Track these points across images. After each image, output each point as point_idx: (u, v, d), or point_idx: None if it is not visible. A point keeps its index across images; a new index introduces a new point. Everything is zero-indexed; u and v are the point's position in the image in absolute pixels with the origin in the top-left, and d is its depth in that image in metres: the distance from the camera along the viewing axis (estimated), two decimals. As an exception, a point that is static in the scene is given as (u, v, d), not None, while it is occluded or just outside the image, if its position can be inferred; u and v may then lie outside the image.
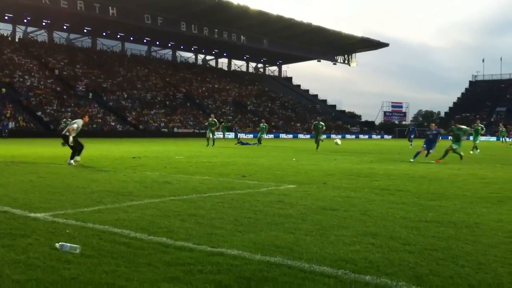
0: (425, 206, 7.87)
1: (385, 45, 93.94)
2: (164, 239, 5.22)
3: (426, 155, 18.91)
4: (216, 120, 33.13)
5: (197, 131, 63.52)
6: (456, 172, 14.38)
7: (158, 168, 14.28)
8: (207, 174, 12.51)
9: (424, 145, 18.99)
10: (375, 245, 5.14)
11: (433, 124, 20.55)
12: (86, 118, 16.09)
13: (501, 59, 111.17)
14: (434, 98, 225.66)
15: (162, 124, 62.66)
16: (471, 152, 25.71)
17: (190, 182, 10.57)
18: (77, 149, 14.90)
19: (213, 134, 31.81)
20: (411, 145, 34.86)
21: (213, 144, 30.95)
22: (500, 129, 49.75)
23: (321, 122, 29.27)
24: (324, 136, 29.71)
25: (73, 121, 15.50)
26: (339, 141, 25.93)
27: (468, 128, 20.39)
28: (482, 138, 45.64)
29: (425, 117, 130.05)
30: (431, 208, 7.68)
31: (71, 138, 14.72)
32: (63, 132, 15.43)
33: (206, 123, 34.37)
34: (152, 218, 6.37)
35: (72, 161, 14.60)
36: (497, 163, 19.05)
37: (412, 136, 37.12)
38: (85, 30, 75.80)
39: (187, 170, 13.64)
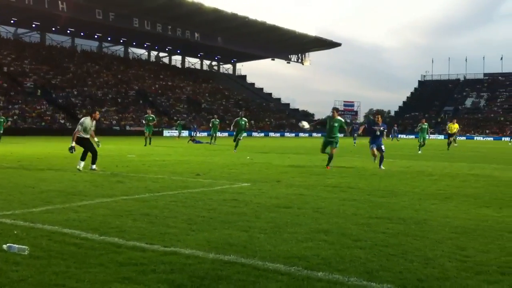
0: (376, 203, 8.06)
1: (337, 44, 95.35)
2: (116, 239, 5.14)
3: (379, 157, 15.20)
4: (153, 116, 32.20)
5: (150, 129, 62.59)
6: (405, 170, 14.78)
7: (109, 167, 14.00)
8: (160, 173, 12.37)
9: (373, 144, 15.32)
10: (327, 242, 5.23)
11: (379, 116, 15.86)
12: (97, 115, 13.38)
13: (449, 59, 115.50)
14: (385, 97, 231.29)
15: (114, 122, 61.50)
16: (419, 152, 26.26)
17: (142, 181, 10.44)
18: (92, 152, 12.73)
19: (150, 132, 30.19)
20: (354, 143, 35.18)
21: (150, 142, 28.99)
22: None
23: (243, 118, 25.66)
24: (244, 134, 26.62)
25: (80, 121, 13.13)
26: (306, 124, 19.80)
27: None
28: (431, 137, 47.04)
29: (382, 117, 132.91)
30: (381, 205, 7.87)
31: (73, 143, 12.68)
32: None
33: (143, 121, 32.49)
34: (103, 218, 6.26)
35: (94, 166, 12.58)
36: (445, 161, 19.68)
37: (355, 135, 37.26)
38: (33, 25, 73.38)
39: (139, 169, 13.46)
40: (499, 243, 5.35)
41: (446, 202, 8.29)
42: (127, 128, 60.90)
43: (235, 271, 4.13)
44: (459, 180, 12.05)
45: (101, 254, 4.56)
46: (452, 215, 6.98)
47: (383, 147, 15.30)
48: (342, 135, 16.61)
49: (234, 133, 25.69)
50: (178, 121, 46.47)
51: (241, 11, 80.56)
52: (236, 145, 24.11)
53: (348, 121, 43.37)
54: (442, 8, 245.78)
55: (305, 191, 9.39)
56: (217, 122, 36.32)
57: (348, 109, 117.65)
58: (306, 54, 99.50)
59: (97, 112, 13.57)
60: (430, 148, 31.43)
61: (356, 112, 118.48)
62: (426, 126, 28.76)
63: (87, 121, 12.94)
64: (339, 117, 15.47)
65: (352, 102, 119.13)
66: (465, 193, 9.56)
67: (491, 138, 79.03)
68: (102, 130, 56.11)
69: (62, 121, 56.43)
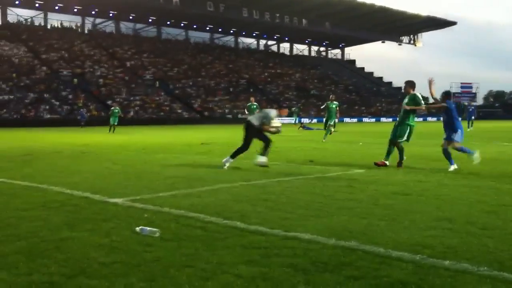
0: (502, 189, 7.59)
1: (452, 23, 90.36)
2: (238, 223, 5.33)
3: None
4: (257, 104, 29.02)
5: (261, 116, 63.70)
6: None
7: (226, 153, 14.47)
8: (275, 160, 12.55)
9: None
10: (451, 230, 5.03)
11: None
12: (285, 112, 12.02)
13: None
14: (504, 77, 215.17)
15: (227, 111, 63.39)
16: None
17: (259, 168, 10.67)
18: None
19: (114, 122, 31.88)
20: (469, 127, 32.97)
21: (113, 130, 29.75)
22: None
23: (334, 102, 22.26)
24: (336, 120, 22.83)
25: (264, 113, 11.38)
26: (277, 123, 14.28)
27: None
28: None
29: (496, 98, 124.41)
30: (508, 191, 7.40)
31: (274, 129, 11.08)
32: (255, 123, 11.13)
33: (246, 110, 30.37)
34: (225, 203, 6.51)
35: (262, 159, 10.84)
36: None
37: (473, 118, 35.09)
38: (150, 20, 77.58)
39: (255, 156, 13.75)
40: None
41: None
42: (239, 116, 62.51)
43: (357, 258, 4.13)
44: None
45: (226, 237, 4.76)
46: None
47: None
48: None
49: (324, 119, 22.75)
50: (293, 108, 46.65)
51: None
52: (327, 134, 21.40)
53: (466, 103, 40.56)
54: None
55: (424, 177, 9.08)
56: (116, 111, 33.52)
57: (466, 91, 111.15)
58: (418, 35, 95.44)
59: (285, 110, 12.10)
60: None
61: (475, 94, 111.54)
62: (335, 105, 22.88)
63: (273, 113, 11.24)
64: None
65: (470, 84, 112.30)
66: None
67: None
68: (215, 119, 58.28)
69: (180, 111, 59.24)
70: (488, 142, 19.50)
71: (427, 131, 30.54)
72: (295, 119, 48.51)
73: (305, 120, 53.75)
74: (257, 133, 11.07)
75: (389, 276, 3.68)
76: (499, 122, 55.64)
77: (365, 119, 72.48)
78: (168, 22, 78.86)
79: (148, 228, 4.99)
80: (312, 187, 7.85)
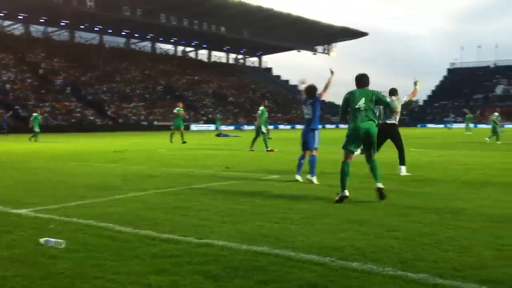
0: (409, 193, 7.96)
1: (364, 34, 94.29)
2: (150, 232, 5.20)
3: None
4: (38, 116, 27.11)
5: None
6: (435, 159, 14.56)
7: (140, 161, 14.19)
8: (190, 167, 12.47)
9: None
10: (361, 232, 5.19)
11: None
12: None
13: (478, 47, 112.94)
14: (412, 86, 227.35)
15: (142, 117, 62.18)
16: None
17: (173, 175, 10.53)
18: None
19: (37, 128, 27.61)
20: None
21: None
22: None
23: (261, 107, 20.60)
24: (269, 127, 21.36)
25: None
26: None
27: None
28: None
29: (405, 105, 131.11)
30: (414, 194, 7.77)
31: None
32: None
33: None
34: (136, 212, 6.34)
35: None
36: (476, 150, 19.32)
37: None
38: (62, 23, 74.65)
39: (170, 163, 13.59)
40: (537, 231, 5.23)
41: (481, 191, 8.13)
42: (155, 123, 61.53)
43: (269, 262, 4.14)
44: (493, 168, 11.81)
45: (136, 247, 4.62)
46: (488, 204, 6.85)
47: None
48: None
49: (255, 126, 21.08)
50: (218, 115, 46.64)
51: (266, 4, 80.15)
52: (267, 141, 19.91)
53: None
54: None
55: (335, 182, 9.32)
56: (39, 117, 31.33)
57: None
58: (333, 44, 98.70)
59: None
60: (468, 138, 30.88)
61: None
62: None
63: None
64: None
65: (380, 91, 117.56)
66: (500, 181, 9.36)
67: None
68: (130, 126, 56.94)
69: (92, 118, 57.34)
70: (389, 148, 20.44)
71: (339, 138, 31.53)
72: (217, 126, 48.51)
73: (224, 128, 53.90)
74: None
75: (300, 279, 3.72)
76: (407, 129, 58.64)
77: (280, 126, 73.77)
78: (82, 26, 76.28)
79: (53, 240, 4.75)
80: (226, 194, 7.83)
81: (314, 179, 9.21)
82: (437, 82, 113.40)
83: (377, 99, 7.54)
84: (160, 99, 69.46)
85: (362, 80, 7.62)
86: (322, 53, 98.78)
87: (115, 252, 4.43)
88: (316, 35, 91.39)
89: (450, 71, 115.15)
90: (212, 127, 57.48)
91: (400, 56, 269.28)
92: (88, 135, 39.73)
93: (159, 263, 4.13)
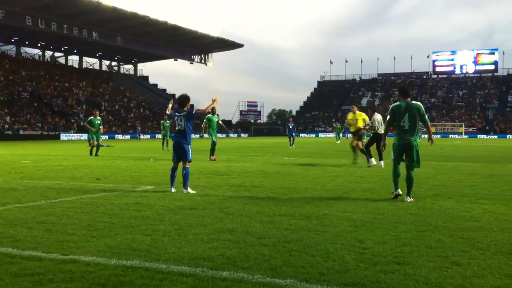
0: (279, 200, 8.22)
1: (240, 45, 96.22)
2: (10, 250, 4.84)
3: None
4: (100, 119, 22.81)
5: (46, 133, 59.68)
6: (307, 168, 15.22)
7: (1, 173, 13.15)
8: (57, 179, 11.80)
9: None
10: (232, 241, 5.25)
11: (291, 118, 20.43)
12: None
13: (346, 60, 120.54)
14: (286, 97, 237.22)
15: (6, 126, 57.81)
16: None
17: (38, 188, 9.88)
18: None
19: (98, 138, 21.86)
20: (291, 145, 31.06)
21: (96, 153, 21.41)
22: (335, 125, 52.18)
23: (167, 121, 24.16)
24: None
25: None
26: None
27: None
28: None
29: (279, 116, 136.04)
30: (284, 202, 8.04)
31: None
32: None
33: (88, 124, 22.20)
34: (-6, 228, 5.85)
35: None
36: (343, 158, 20.53)
37: (293, 135, 32.21)
38: None
39: (34, 175, 12.75)
40: (394, 234, 5.66)
41: (345, 197, 8.64)
42: (21, 132, 57.51)
43: (138, 276, 4.03)
44: (356, 176, 12.62)
45: (-7, 266, 4.26)
46: (351, 209, 7.29)
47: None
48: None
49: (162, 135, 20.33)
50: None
51: (141, 10, 78.93)
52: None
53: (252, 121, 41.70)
54: (337, 10, 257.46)
55: (210, 191, 9.38)
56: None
57: (252, 109, 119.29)
58: (209, 54, 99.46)
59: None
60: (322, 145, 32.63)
61: (260, 112, 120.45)
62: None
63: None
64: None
65: (256, 102, 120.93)
66: (362, 188, 10.03)
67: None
68: (-8, 135, 52.56)
69: None
70: (271, 157, 21.11)
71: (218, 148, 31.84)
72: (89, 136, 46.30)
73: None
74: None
75: (169, 292, 3.66)
76: (281, 138, 60.70)
77: (158, 136, 72.64)
78: None
79: None
80: (96, 206, 7.52)
81: (190, 190, 9.22)
82: (308, 94, 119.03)
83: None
84: (26, 106, 65.07)
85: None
86: (199, 62, 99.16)
87: (-33, 274, 4.05)
88: (193, 45, 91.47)
89: (320, 83, 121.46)
90: (84, 136, 54.90)
91: (274, 68, 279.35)
92: None
93: (19, 282, 3.87)
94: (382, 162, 14.90)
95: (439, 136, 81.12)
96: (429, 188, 9.87)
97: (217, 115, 19.62)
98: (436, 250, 4.93)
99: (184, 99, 9.82)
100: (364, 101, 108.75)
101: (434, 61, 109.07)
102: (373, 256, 4.71)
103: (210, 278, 3.98)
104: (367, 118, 15.88)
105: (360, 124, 15.86)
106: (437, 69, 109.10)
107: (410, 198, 8.12)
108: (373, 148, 15.66)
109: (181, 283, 3.86)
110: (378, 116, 15.60)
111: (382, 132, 13.20)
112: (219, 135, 20.84)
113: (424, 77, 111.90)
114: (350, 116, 16.50)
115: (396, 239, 5.43)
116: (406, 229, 5.94)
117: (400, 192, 8.25)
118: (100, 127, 21.78)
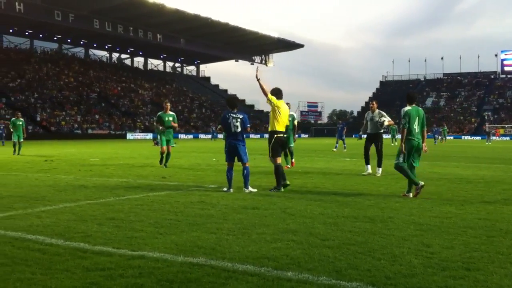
0: (342, 202, 8.14)
1: (300, 46, 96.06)
2: (82, 244, 5.04)
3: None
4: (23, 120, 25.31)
5: (113, 132, 61.83)
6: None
7: (72, 171, 13.74)
8: (125, 176, 12.20)
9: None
10: (295, 242, 5.25)
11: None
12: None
13: (409, 60, 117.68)
14: (345, 98, 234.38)
15: (76, 126, 60.33)
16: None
17: (107, 185, 10.27)
18: None
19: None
20: (336, 146, 29.17)
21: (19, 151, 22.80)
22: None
23: (170, 113, 16.09)
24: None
25: None
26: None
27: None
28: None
29: (340, 116, 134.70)
30: (347, 204, 7.96)
31: None
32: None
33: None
34: (67, 223, 6.12)
35: None
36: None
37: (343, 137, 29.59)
38: (-11, 27, 71.36)
39: (103, 173, 13.24)
40: (463, 239, 5.47)
41: (410, 200, 8.44)
42: (89, 131, 59.89)
43: (204, 273, 4.11)
44: (421, 178, 12.28)
45: (67, 260, 4.46)
46: (417, 213, 7.11)
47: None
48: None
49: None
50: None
51: (203, 12, 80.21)
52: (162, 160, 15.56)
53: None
54: (397, 10, 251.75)
55: (271, 192, 9.41)
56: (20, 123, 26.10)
57: (312, 110, 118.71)
58: (270, 55, 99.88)
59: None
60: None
61: (320, 112, 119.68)
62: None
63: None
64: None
65: (316, 103, 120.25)
66: (428, 191, 9.75)
67: (451, 137, 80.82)
68: (63, 134, 55.07)
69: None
70: (333, 158, 20.94)
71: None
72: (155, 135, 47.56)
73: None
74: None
75: (235, 290, 3.71)
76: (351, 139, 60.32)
77: (219, 136, 73.63)
78: (11, 30, 73.18)
79: (-23, 254, 4.50)
80: (162, 204, 7.72)
81: (252, 189, 9.35)
82: (370, 94, 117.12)
83: None
84: (94, 106, 67.68)
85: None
86: (260, 63, 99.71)
87: (44, 266, 4.27)
88: (253, 45, 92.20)
89: (382, 83, 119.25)
90: (149, 135, 56.54)
91: (334, 69, 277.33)
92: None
93: (90, 276, 4.01)
94: (380, 169, 13.09)
95: (508, 138, 77.64)
96: (498, 192, 9.49)
97: (293, 114, 15.74)
98: (508, 256, 4.74)
99: (235, 101, 10.28)
100: (429, 102, 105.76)
101: (502, 60, 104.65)
102: (441, 261, 4.58)
103: (275, 278, 3.99)
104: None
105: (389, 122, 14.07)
106: (506, 68, 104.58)
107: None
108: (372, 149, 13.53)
109: (246, 282, 3.90)
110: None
111: (379, 131, 13.71)
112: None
113: (492, 76, 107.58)
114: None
115: (465, 244, 5.25)
116: (475, 234, 5.73)
117: (423, 183, 8.89)
118: (174, 124, 15.63)
